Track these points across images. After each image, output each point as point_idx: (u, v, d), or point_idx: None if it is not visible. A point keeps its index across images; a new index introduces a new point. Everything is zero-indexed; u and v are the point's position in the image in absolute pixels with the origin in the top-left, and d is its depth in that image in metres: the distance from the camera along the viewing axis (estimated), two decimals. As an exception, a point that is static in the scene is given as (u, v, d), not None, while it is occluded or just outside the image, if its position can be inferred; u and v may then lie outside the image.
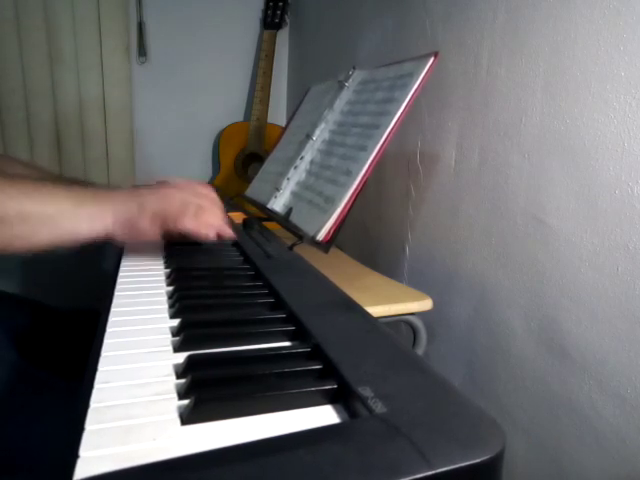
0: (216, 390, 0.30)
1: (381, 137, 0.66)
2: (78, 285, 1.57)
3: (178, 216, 0.57)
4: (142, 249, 0.66)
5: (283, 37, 1.77)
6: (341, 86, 0.87)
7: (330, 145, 0.80)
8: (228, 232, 0.61)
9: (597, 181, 0.62)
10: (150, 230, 0.56)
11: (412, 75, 0.68)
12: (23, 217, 0.48)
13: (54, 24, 1.48)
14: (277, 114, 1.81)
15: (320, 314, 0.41)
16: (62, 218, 0.51)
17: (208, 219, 0.60)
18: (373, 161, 0.65)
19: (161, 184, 0.63)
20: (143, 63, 1.65)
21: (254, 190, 1.03)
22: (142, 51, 1.63)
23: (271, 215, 0.84)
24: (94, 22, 1.51)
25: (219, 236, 0.60)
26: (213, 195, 0.64)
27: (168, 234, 0.58)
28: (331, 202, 0.67)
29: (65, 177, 0.94)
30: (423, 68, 0.66)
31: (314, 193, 0.74)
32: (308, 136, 0.86)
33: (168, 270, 0.57)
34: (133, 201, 0.56)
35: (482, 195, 0.81)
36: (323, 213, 0.67)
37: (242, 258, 0.62)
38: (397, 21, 1.07)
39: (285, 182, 0.85)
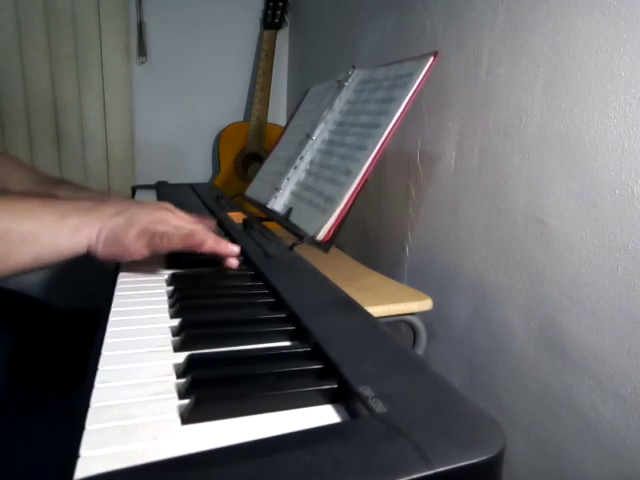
0: (216, 390, 0.31)
1: (381, 136, 0.66)
2: (78, 285, 1.57)
3: (172, 235, 0.51)
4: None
5: (283, 37, 1.77)
6: (340, 86, 0.87)
7: (330, 145, 0.80)
8: (225, 247, 0.54)
9: (597, 181, 0.62)
10: (134, 247, 0.50)
11: (412, 75, 0.68)
12: (1, 234, 0.44)
13: (54, 24, 1.48)
14: (277, 114, 1.81)
15: (320, 314, 0.41)
16: (43, 232, 0.46)
17: (202, 237, 0.54)
18: (373, 161, 0.65)
19: (151, 203, 0.57)
20: (143, 63, 1.65)
21: (254, 190, 1.03)
22: (142, 51, 1.63)
23: (271, 215, 0.84)
24: (94, 22, 1.51)
25: (215, 252, 0.54)
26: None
27: (155, 252, 0.52)
28: (331, 202, 0.67)
29: (63, 180, 0.90)
30: (423, 68, 0.66)
31: (314, 193, 0.74)
32: (308, 136, 0.86)
33: (168, 270, 0.57)
34: (121, 215, 0.51)
35: (482, 195, 0.81)
36: (323, 213, 0.67)
37: (242, 258, 0.62)
38: (397, 21, 1.07)
39: (285, 182, 0.85)
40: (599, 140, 0.61)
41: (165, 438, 0.27)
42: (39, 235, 0.46)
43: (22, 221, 0.46)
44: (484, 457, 0.24)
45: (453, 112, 0.88)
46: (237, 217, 0.85)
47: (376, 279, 0.83)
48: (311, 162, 0.83)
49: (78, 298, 1.41)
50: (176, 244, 0.51)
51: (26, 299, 0.81)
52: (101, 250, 0.49)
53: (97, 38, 1.53)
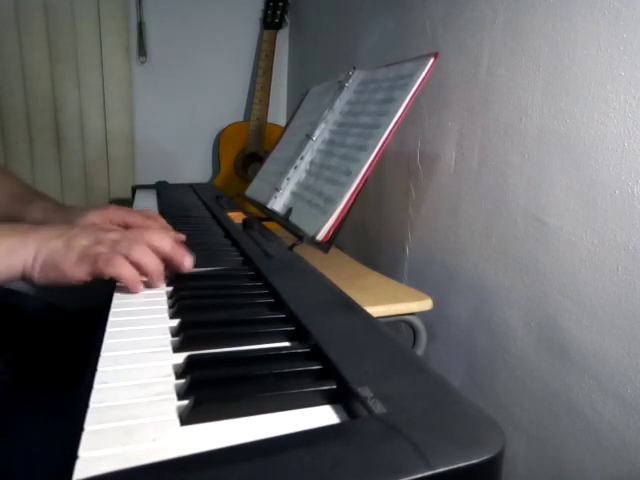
0: (216, 390, 0.30)
1: (381, 137, 0.66)
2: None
3: (108, 257, 0.46)
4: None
5: (283, 37, 1.77)
6: (341, 86, 0.87)
7: (330, 145, 0.80)
8: (156, 282, 0.50)
9: (597, 181, 0.62)
10: (74, 273, 0.47)
11: (412, 75, 0.68)
12: None
13: (54, 24, 1.48)
14: (277, 114, 1.81)
15: (320, 314, 0.41)
16: None
17: (143, 259, 0.48)
18: (373, 161, 0.65)
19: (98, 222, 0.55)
20: (143, 63, 1.65)
21: (254, 190, 1.03)
22: (142, 51, 1.63)
23: (271, 215, 0.84)
24: (94, 22, 1.51)
25: (149, 284, 0.50)
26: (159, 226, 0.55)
27: (98, 278, 0.48)
28: (331, 202, 0.67)
29: (41, 197, 0.82)
30: (423, 68, 0.66)
31: (314, 193, 0.74)
32: (308, 136, 0.86)
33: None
34: (60, 238, 0.48)
35: (482, 195, 0.81)
36: (323, 213, 0.67)
37: (242, 258, 0.62)
38: (397, 21, 1.07)
39: (285, 182, 0.85)
40: (599, 140, 0.61)
41: (164, 439, 0.27)
42: None
43: None
44: (484, 457, 0.24)
45: (453, 112, 0.88)
46: (237, 217, 0.85)
47: (376, 279, 0.83)
48: (311, 162, 0.83)
49: (78, 298, 1.41)
50: (114, 274, 0.46)
51: (27, 298, 0.81)
52: (38, 275, 0.47)
53: (97, 38, 1.53)
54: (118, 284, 0.51)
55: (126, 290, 0.49)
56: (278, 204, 0.83)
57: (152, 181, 1.44)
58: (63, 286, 0.48)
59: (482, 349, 0.83)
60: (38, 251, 0.47)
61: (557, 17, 0.66)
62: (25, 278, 0.47)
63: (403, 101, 0.66)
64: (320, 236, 0.65)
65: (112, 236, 0.50)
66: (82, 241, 0.48)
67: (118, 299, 0.47)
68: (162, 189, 1.26)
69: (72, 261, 0.47)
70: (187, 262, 0.51)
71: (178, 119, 1.73)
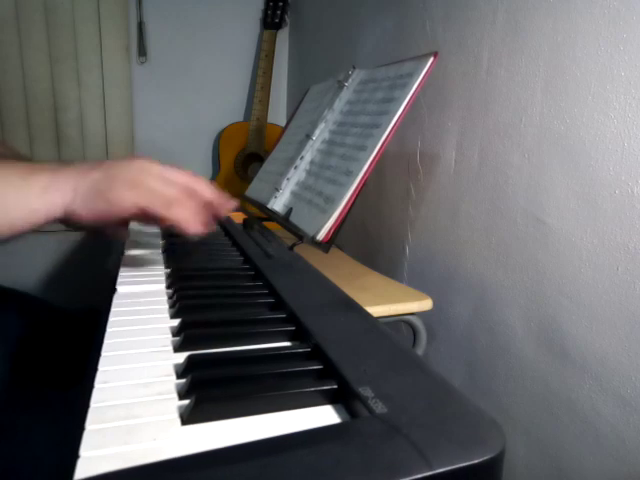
0: (216, 390, 0.30)
1: (381, 137, 0.66)
2: (78, 285, 1.57)
3: (163, 200, 0.44)
4: (142, 249, 0.66)
5: (283, 37, 1.77)
6: (341, 86, 0.87)
7: (330, 145, 0.80)
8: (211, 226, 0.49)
9: (597, 181, 0.62)
10: (123, 200, 0.43)
11: (412, 75, 0.68)
12: None
13: (54, 24, 1.48)
14: (277, 114, 1.81)
15: (320, 314, 0.41)
16: (7, 191, 0.40)
17: (196, 208, 0.47)
18: (373, 161, 0.65)
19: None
20: (143, 63, 1.65)
21: (254, 190, 1.03)
22: (142, 51, 1.63)
23: (271, 215, 0.84)
24: (94, 22, 1.51)
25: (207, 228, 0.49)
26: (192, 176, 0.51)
27: (144, 217, 0.45)
28: (331, 202, 0.67)
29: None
30: (423, 68, 0.66)
31: (314, 193, 0.74)
32: (308, 136, 0.86)
33: (168, 270, 0.57)
34: (98, 170, 0.44)
35: (482, 195, 0.81)
36: (323, 213, 0.67)
37: (242, 258, 0.62)
38: (397, 21, 1.07)
39: (285, 182, 0.85)
40: (599, 140, 0.61)
41: (165, 439, 0.27)
42: (5, 194, 0.40)
43: None
44: (484, 457, 0.24)
45: (453, 112, 0.88)
46: (237, 217, 0.85)
47: (376, 279, 0.83)
48: (311, 162, 0.83)
49: (78, 298, 1.41)
50: (174, 219, 0.45)
51: (28, 298, 0.81)
52: (81, 208, 0.42)
53: (97, 38, 1.53)
54: (119, 284, 0.51)
55: (127, 289, 0.49)
56: (278, 204, 0.83)
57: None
58: (110, 221, 0.44)
59: (482, 349, 0.83)
60: (77, 184, 0.43)
61: (557, 17, 0.66)
62: (67, 215, 0.43)
63: (403, 100, 0.66)
64: (320, 236, 0.65)
65: (156, 168, 0.46)
66: (124, 169, 0.45)
67: (118, 299, 0.47)
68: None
69: (120, 188, 0.43)
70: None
71: (178, 119, 1.73)
